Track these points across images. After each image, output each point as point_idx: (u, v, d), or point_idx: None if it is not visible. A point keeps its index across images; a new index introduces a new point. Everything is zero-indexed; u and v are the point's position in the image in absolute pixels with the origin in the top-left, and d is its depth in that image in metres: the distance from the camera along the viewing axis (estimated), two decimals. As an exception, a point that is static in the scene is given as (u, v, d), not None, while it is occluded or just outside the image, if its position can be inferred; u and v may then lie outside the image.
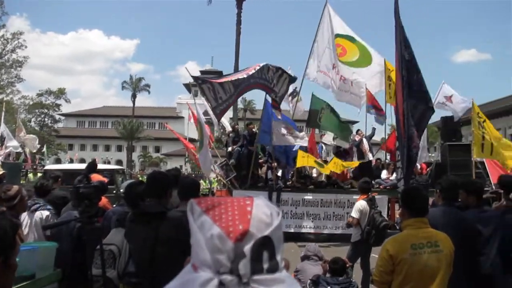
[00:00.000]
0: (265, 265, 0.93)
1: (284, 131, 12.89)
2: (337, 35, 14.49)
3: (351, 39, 14.83)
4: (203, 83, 12.35)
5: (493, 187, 8.93)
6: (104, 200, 6.45)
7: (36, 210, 4.98)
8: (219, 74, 76.25)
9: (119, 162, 66.58)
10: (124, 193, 4.52)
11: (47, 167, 18.28)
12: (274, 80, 12.84)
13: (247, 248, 0.91)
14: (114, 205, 6.73)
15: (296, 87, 15.79)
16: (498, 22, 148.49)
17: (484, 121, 10.02)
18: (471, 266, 4.44)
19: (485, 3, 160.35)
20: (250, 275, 0.91)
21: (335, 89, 14.63)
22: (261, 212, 0.97)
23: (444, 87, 16.82)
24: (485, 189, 6.35)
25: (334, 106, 14.69)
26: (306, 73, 14.37)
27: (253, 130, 14.38)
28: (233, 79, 12.16)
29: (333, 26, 14.39)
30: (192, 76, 13.83)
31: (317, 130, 16.61)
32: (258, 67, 12.40)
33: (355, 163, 13.92)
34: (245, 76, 12.12)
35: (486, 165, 10.84)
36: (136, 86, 69.53)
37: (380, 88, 15.20)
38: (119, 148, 74.65)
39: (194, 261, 0.95)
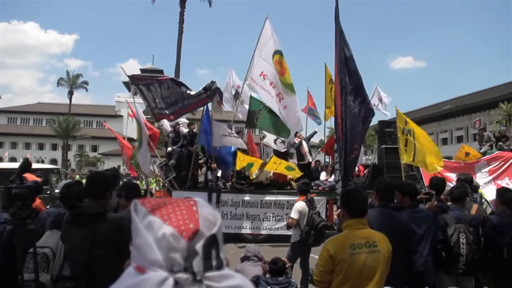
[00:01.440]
0: (214, 263, 0.95)
1: (224, 132, 12.87)
2: (276, 52, 14.39)
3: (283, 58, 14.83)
4: (139, 84, 12.66)
5: (426, 188, 9.29)
6: (37, 201, 6.20)
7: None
8: (160, 73, 75.23)
9: (53, 162, 64.19)
10: (61, 193, 4.36)
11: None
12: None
13: (199, 246, 0.93)
14: (48, 206, 6.48)
15: (238, 88, 15.84)
16: (433, 30, 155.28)
17: (410, 124, 10.39)
18: (406, 264, 4.61)
19: (422, 11, 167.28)
20: (203, 272, 0.92)
21: (268, 96, 14.49)
22: (207, 212, 1.00)
23: (377, 90, 17.50)
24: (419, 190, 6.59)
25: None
26: (246, 77, 14.43)
27: (194, 130, 14.28)
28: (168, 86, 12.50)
29: (272, 42, 14.38)
30: (128, 76, 13.57)
31: (257, 131, 16.70)
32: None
33: (292, 166, 14.06)
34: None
35: (420, 167, 11.26)
36: (73, 83, 67.18)
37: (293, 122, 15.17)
38: (54, 147, 71.84)
39: (139, 263, 0.94)
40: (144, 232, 0.94)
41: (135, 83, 13.35)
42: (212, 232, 0.97)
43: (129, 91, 67.72)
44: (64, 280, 3.53)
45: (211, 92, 12.53)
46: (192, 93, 12.49)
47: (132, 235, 0.98)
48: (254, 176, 13.86)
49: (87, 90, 70.41)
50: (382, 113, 17.72)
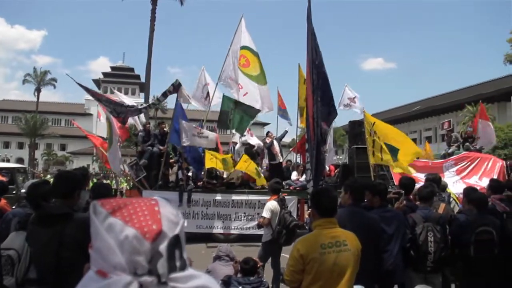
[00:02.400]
0: (178, 263, 0.94)
1: (194, 131, 12.80)
2: (244, 47, 14.80)
3: (255, 54, 15.14)
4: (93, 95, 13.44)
5: (395, 188, 9.43)
6: (2, 202, 6.06)
7: None
8: (131, 71, 74.40)
9: (20, 161, 62.81)
10: (27, 193, 4.23)
11: None
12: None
13: (163, 247, 0.91)
14: (14, 207, 6.32)
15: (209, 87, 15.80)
16: (403, 32, 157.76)
17: (376, 124, 10.55)
18: (376, 263, 4.66)
19: (392, 13, 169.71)
20: (168, 274, 0.91)
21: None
22: (169, 212, 0.98)
23: (346, 90, 17.69)
24: (389, 190, 6.67)
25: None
26: (220, 76, 14.45)
27: (165, 129, 14.18)
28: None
29: (241, 38, 14.73)
30: (77, 83, 13.32)
31: (226, 131, 16.69)
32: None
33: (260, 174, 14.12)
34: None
35: (390, 167, 11.43)
36: (40, 79, 65.75)
37: (271, 109, 15.99)
38: (21, 145, 70.22)
39: (100, 267, 0.91)
40: (104, 235, 0.91)
41: (87, 91, 13.59)
42: (175, 232, 0.95)
43: (99, 89, 66.83)
44: (30, 283, 3.43)
45: (175, 88, 12.62)
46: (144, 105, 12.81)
47: (91, 238, 0.95)
48: (225, 175, 13.84)
49: (55, 87, 69.23)
50: (357, 112, 17.85)
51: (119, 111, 12.59)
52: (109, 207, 0.95)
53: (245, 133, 15.11)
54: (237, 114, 13.49)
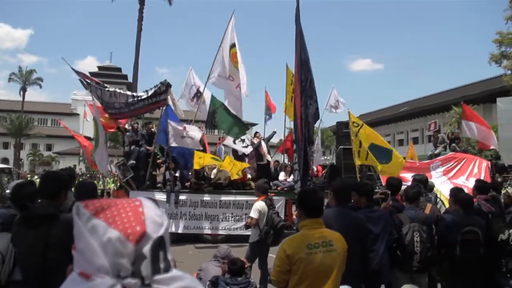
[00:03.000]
0: (162, 265, 0.93)
1: (183, 133, 12.76)
2: (234, 45, 14.80)
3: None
4: (86, 81, 13.24)
5: (382, 188, 9.49)
6: (-13, 202, 5.99)
7: None
8: (118, 70, 73.94)
9: (5, 161, 62.03)
10: (12, 194, 4.18)
11: None
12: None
13: (146, 249, 0.90)
14: (-2, 207, 6.24)
15: (198, 88, 15.74)
16: (391, 33, 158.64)
17: (361, 126, 10.62)
18: (362, 263, 4.68)
19: (381, 14, 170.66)
20: (151, 276, 0.90)
21: (228, 93, 14.79)
22: (153, 213, 0.97)
23: (334, 92, 17.78)
24: (376, 190, 6.71)
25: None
26: (209, 76, 14.41)
27: (152, 129, 14.12)
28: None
29: (232, 36, 14.72)
30: (73, 70, 13.58)
31: (215, 131, 16.68)
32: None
33: (246, 165, 14.13)
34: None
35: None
36: (26, 79, 64.96)
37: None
38: (6, 145, 69.31)
39: (83, 269, 0.90)
40: (87, 236, 0.90)
41: (82, 79, 13.50)
42: (160, 233, 0.94)
43: (86, 88, 66.22)
44: (15, 285, 3.38)
45: (165, 93, 12.58)
46: (143, 96, 12.50)
47: (74, 239, 0.94)
48: (213, 176, 13.82)
49: (41, 86, 68.15)
50: (340, 114, 17.98)
51: (116, 107, 12.71)
52: (92, 208, 0.94)
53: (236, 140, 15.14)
54: (222, 114, 13.49)
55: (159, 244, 0.93)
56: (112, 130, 15.06)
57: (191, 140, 12.87)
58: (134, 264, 0.89)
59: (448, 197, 6.77)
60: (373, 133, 10.85)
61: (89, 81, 13.23)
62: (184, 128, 12.89)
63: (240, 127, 13.96)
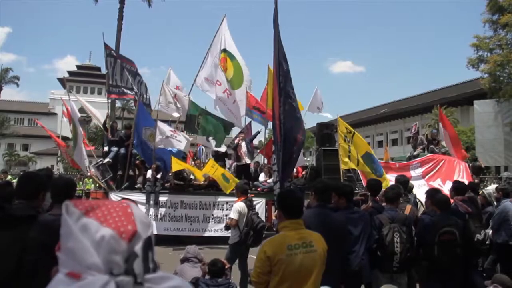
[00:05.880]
0: (151, 265, 0.95)
1: (169, 133, 12.70)
2: (224, 50, 14.85)
3: (231, 57, 15.20)
4: (109, 56, 14.01)
5: (363, 189, 9.56)
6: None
7: None
8: (98, 70, 73.10)
9: (-21, 161, 60.91)
10: (-14, 195, 4.09)
11: None
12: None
13: (138, 248, 0.92)
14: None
15: (177, 89, 15.67)
16: (372, 36, 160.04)
17: (354, 134, 10.70)
18: (342, 264, 4.70)
19: (361, 15, 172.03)
20: (143, 274, 0.92)
21: (216, 98, 14.86)
22: (141, 214, 0.99)
23: (317, 93, 17.82)
24: (355, 191, 6.76)
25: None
26: (196, 79, 14.42)
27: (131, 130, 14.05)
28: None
29: (224, 40, 14.77)
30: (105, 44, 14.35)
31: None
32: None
33: (228, 177, 14.12)
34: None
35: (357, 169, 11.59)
36: (2, 77, 63.65)
37: (242, 114, 15.77)
38: (-20, 145, 68.12)
39: (72, 268, 0.89)
40: (78, 235, 0.90)
41: (108, 50, 14.28)
42: (148, 234, 0.96)
43: (64, 88, 65.23)
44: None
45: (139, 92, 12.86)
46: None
47: (62, 239, 0.93)
48: (192, 176, 13.74)
49: (18, 85, 66.81)
50: (322, 116, 18.01)
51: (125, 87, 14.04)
52: (82, 208, 0.94)
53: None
54: (205, 119, 13.50)
55: (148, 244, 0.95)
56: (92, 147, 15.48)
57: (178, 143, 12.84)
58: (127, 262, 0.90)
59: (424, 199, 6.85)
60: (364, 143, 11.00)
61: (114, 55, 14.24)
62: (174, 130, 12.88)
63: (221, 131, 14.00)
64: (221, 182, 12.37)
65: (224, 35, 14.92)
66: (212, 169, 12.44)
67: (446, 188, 9.93)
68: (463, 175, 11.52)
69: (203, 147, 18.90)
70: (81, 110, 15.13)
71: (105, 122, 14.49)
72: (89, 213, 0.93)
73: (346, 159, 10.39)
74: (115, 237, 0.90)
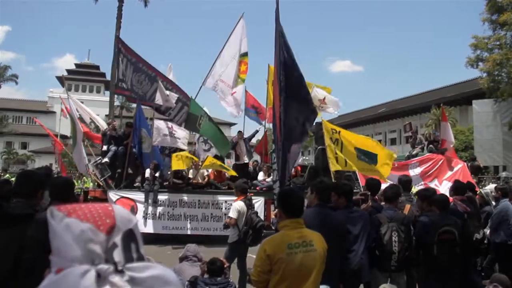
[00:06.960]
0: (135, 255, 0.99)
1: (166, 131, 12.69)
2: (245, 54, 14.92)
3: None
4: (120, 52, 13.42)
5: (362, 189, 9.55)
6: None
7: None
8: (96, 68, 72.99)
9: (-24, 160, 60.75)
10: (-16, 193, 4.08)
11: None
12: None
13: (118, 239, 0.97)
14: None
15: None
16: (371, 35, 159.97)
17: (339, 132, 10.62)
18: (342, 263, 4.71)
19: (361, 15, 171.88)
20: (124, 263, 0.95)
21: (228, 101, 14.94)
22: (122, 211, 1.04)
23: (315, 91, 17.75)
24: (355, 191, 6.76)
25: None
26: (205, 80, 14.43)
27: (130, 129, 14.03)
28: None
29: (241, 42, 14.76)
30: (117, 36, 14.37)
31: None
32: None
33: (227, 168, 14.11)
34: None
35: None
36: (0, 75, 63.42)
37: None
38: (-22, 144, 67.92)
39: (60, 265, 0.93)
40: (61, 233, 0.95)
41: (120, 46, 13.66)
42: (129, 227, 1.00)
43: (63, 86, 65.13)
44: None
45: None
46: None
47: (50, 242, 0.97)
48: (191, 176, 13.74)
49: (16, 83, 66.58)
50: (324, 114, 17.99)
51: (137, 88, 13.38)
52: (64, 210, 0.99)
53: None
54: (207, 123, 13.46)
55: (130, 236, 1.00)
56: (98, 141, 15.13)
57: (174, 140, 12.82)
58: (106, 252, 0.94)
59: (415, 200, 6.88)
60: (353, 136, 10.88)
61: (123, 51, 13.39)
62: (172, 127, 12.85)
63: (222, 144, 13.98)
64: (222, 168, 12.83)
65: (242, 37, 14.92)
66: (211, 164, 12.50)
67: (442, 189, 9.95)
68: (461, 175, 11.52)
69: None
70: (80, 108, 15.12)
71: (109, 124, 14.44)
72: (71, 214, 0.97)
73: (334, 161, 10.34)
74: (93, 229, 0.94)
